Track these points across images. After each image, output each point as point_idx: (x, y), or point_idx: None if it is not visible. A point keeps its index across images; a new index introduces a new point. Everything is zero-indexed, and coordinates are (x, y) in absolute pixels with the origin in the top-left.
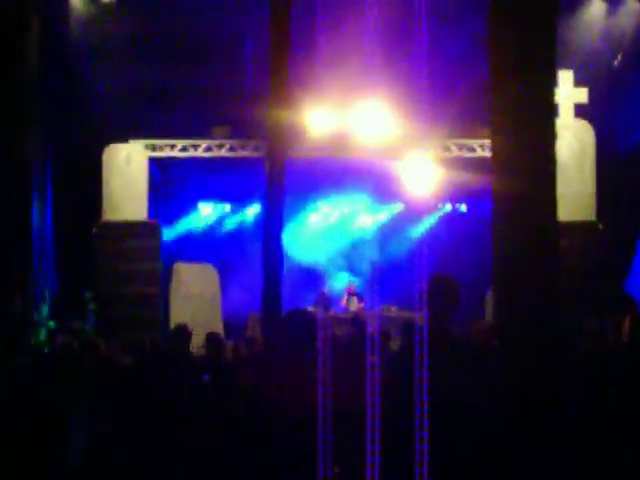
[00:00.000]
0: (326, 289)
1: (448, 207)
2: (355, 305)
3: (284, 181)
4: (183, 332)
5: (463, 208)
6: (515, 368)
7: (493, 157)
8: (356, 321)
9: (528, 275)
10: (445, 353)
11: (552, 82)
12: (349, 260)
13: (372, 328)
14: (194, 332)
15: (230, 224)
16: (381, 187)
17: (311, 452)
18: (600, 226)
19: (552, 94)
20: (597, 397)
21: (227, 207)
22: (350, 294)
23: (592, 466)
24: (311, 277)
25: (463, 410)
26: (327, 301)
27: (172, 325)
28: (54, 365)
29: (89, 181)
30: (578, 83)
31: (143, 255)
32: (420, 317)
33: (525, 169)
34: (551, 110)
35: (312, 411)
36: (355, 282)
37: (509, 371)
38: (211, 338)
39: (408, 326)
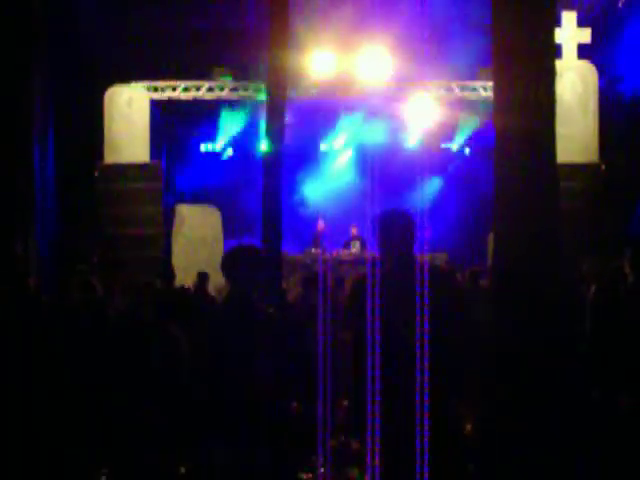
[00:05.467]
0: (319, 229)
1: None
2: (357, 248)
3: (284, 121)
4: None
5: (466, 150)
6: (508, 306)
7: (495, 97)
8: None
9: (527, 212)
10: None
11: (553, 21)
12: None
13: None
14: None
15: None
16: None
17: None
18: (603, 167)
19: (553, 33)
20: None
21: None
22: (353, 237)
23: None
24: (311, 218)
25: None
26: (320, 239)
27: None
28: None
29: (91, 124)
30: (581, 23)
31: (145, 197)
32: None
33: (525, 108)
34: (551, 50)
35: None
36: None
37: (500, 308)
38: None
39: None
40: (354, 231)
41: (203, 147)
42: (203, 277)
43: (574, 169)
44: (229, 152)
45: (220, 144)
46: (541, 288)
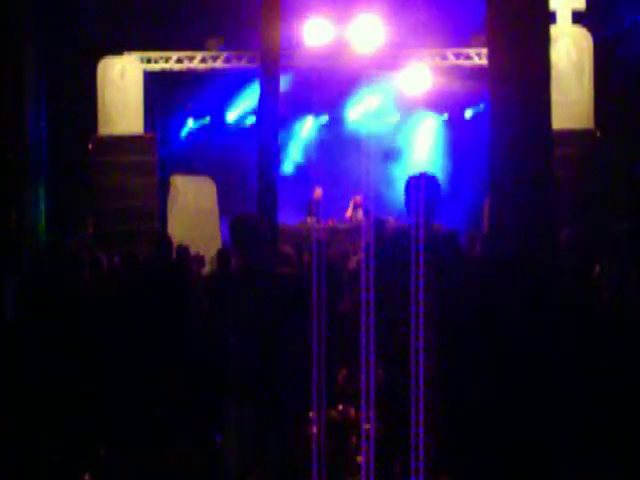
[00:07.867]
0: (316, 197)
1: (445, 115)
2: (360, 217)
3: (278, 91)
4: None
5: (467, 114)
6: (502, 273)
7: (489, 64)
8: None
9: (522, 179)
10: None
11: None
12: None
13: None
14: (192, 246)
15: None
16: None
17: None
18: (598, 134)
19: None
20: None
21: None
22: (356, 206)
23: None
24: (305, 187)
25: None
26: (316, 208)
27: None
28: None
29: (84, 96)
30: None
31: (140, 169)
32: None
33: (520, 75)
34: (546, 16)
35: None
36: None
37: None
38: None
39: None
40: (358, 199)
41: (198, 118)
42: (180, 251)
43: (569, 135)
44: (225, 122)
45: (216, 114)
46: (537, 254)
